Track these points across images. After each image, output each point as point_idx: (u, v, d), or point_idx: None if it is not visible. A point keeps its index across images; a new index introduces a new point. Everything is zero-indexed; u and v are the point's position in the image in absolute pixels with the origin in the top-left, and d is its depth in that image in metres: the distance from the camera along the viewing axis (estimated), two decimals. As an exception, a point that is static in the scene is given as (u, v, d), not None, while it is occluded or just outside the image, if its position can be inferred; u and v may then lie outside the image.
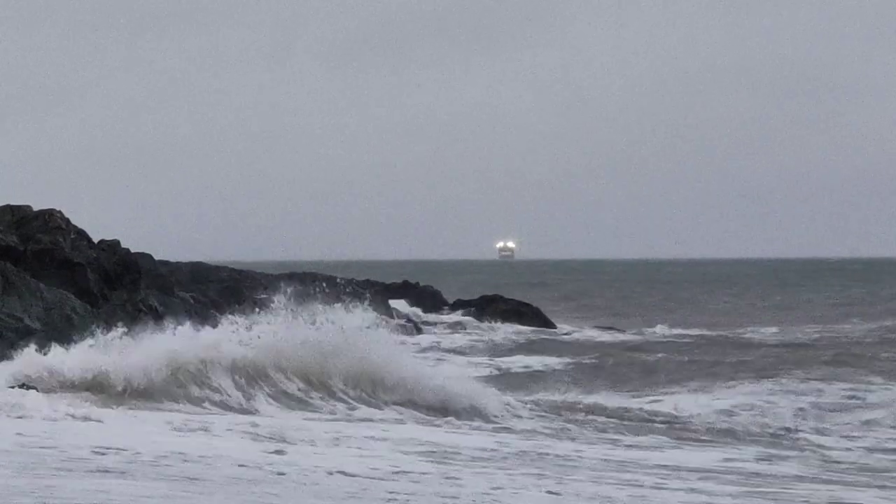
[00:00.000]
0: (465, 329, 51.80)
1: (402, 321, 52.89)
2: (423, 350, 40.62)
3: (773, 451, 18.83)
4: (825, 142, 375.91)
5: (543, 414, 22.11)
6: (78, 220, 30.77)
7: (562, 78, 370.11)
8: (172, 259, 47.92)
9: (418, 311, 57.06)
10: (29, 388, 20.25)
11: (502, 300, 58.58)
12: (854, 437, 20.69)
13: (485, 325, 53.21)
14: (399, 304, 56.68)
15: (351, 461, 15.40)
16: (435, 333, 49.48)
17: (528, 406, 22.54)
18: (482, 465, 15.94)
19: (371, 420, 20.91)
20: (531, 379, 29.96)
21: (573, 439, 19.42)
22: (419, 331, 50.04)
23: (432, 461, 16.00)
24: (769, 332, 49.43)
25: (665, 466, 16.60)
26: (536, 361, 36.16)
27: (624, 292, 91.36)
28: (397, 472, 14.66)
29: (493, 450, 17.43)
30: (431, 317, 56.43)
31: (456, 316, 56.56)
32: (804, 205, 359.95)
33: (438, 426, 20.46)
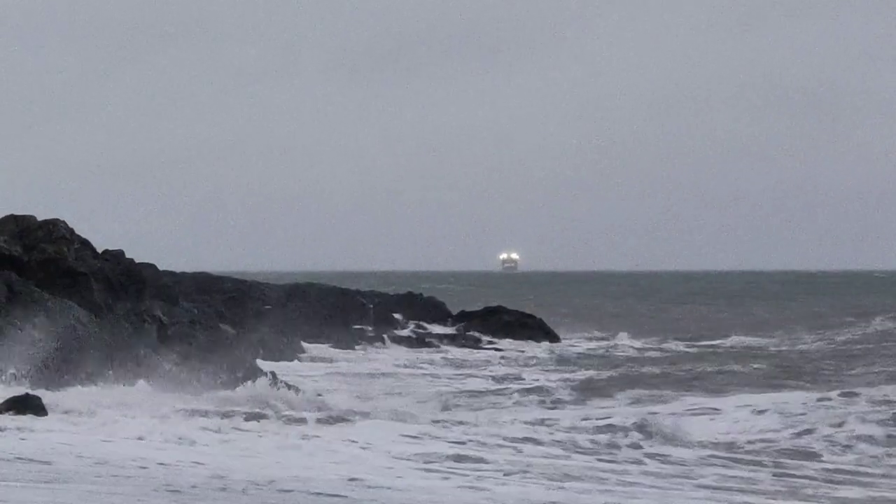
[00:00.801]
0: (476, 342, 51.25)
1: (405, 332, 52.78)
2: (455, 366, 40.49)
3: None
4: (831, 157, 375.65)
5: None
6: (82, 231, 30.78)
7: (568, 92, 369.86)
8: (177, 269, 47.91)
9: (423, 322, 56.86)
10: None
11: (506, 311, 58.38)
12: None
13: (489, 338, 53.01)
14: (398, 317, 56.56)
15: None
16: (447, 349, 48.76)
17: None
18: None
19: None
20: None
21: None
22: (424, 344, 49.82)
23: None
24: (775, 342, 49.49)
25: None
26: (571, 374, 35.92)
27: (626, 304, 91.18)
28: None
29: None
30: (437, 328, 56.20)
31: (461, 328, 56.28)
32: (811, 219, 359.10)
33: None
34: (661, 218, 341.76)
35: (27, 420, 19.13)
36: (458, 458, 17.35)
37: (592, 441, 20.23)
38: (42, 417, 19.56)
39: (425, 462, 16.94)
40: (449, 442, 19.24)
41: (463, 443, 19.26)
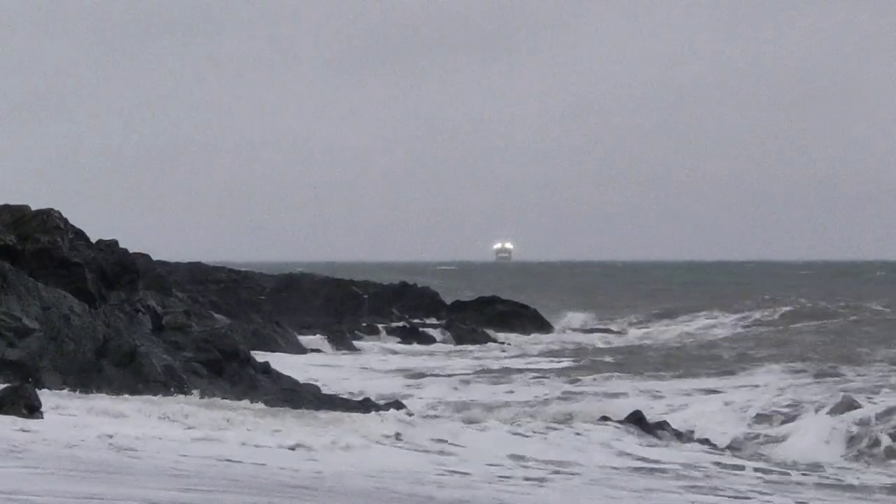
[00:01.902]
0: (473, 334, 50.54)
1: (400, 324, 52.53)
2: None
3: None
4: (826, 148, 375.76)
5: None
6: (76, 221, 30.64)
7: (565, 86, 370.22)
8: (171, 259, 47.76)
9: (417, 313, 56.62)
10: None
11: (500, 301, 58.23)
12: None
13: (486, 330, 52.63)
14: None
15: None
16: (448, 345, 48.09)
17: None
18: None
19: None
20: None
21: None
22: (419, 335, 49.55)
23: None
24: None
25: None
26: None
27: (617, 294, 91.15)
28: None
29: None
30: (431, 319, 55.93)
31: (454, 319, 55.92)
32: (803, 209, 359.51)
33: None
34: (655, 209, 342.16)
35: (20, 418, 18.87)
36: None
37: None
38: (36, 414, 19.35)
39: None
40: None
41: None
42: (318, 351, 41.81)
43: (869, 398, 23.99)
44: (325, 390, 28.88)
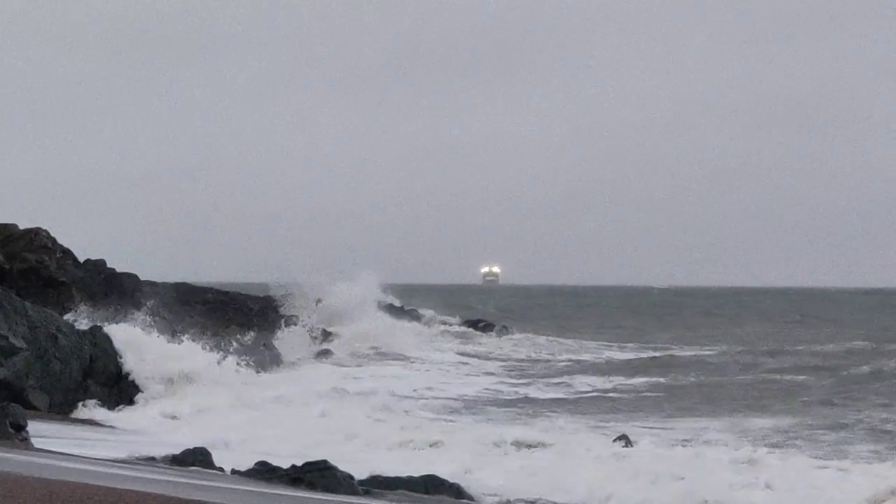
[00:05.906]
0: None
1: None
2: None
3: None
4: (830, 174, 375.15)
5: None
6: (64, 240, 30.78)
7: (562, 111, 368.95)
8: (158, 279, 47.71)
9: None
10: None
11: (486, 324, 58.61)
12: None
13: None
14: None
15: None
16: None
17: None
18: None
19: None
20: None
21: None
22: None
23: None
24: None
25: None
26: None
27: (607, 318, 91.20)
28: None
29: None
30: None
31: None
32: (806, 235, 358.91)
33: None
34: (648, 233, 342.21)
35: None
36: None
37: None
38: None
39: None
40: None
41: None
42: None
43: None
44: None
